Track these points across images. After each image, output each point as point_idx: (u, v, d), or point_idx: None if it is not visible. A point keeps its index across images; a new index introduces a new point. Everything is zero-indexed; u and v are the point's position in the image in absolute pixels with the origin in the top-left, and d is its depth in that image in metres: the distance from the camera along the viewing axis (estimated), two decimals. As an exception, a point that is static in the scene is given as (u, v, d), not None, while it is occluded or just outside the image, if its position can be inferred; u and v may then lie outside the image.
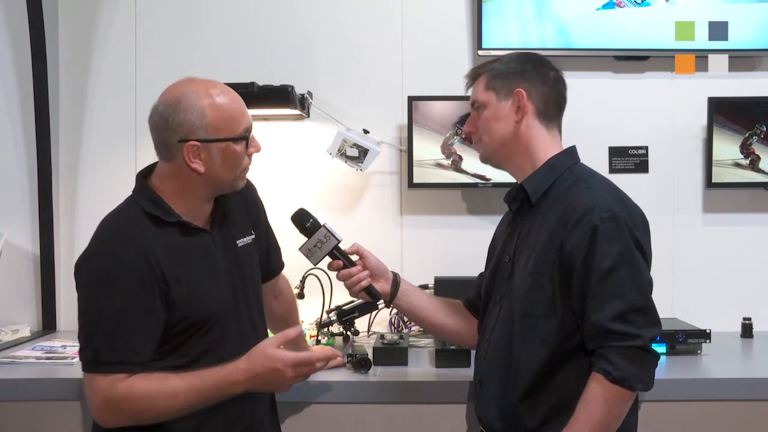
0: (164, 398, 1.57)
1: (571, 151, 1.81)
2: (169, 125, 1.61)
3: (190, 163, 1.61)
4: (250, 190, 1.86)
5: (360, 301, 2.01)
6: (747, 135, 2.76)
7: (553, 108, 1.78)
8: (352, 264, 1.88)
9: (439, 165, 2.74)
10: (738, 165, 2.76)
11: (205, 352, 1.64)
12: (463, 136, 1.89)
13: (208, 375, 1.59)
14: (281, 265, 2.00)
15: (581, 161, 1.82)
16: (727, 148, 2.76)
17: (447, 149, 2.74)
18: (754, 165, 2.77)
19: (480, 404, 1.80)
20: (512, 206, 1.83)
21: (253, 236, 1.82)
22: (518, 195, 1.79)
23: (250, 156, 1.70)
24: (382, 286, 1.92)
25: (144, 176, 1.71)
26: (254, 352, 1.62)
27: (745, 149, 2.76)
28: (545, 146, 1.76)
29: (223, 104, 1.63)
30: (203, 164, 1.62)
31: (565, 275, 1.63)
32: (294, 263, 2.01)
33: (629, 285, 1.59)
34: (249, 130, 1.67)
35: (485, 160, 1.86)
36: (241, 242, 1.77)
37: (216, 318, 1.65)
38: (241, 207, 1.81)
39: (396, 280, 1.95)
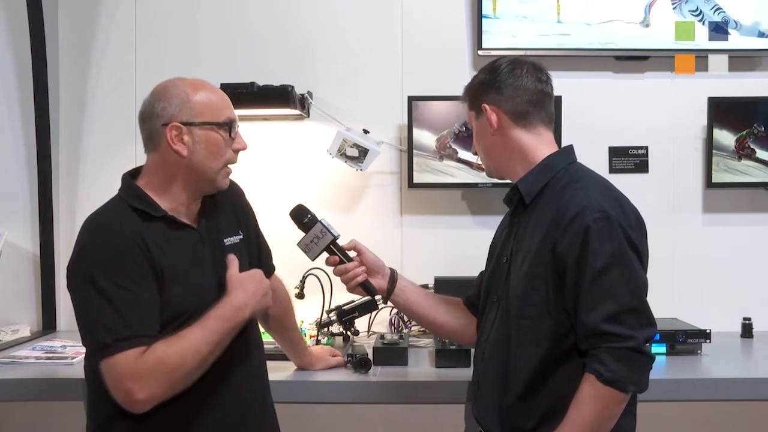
0: (189, 348, 1.56)
1: (567, 151, 1.80)
2: (154, 112, 1.66)
3: (173, 145, 1.64)
4: (237, 193, 1.87)
5: (360, 300, 2.01)
6: (744, 133, 2.76)
7: (526, 107, 1.74)
8: (349, 259, 1.89)
9: (439, 155, 2.75)
10: (737, 154, 2.77)
11: None
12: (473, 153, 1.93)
13: (213, 313, 1.61)
14: (272, 268, 2.00)
15: (579, 161, 1.80)
16: (728, 146, 2.76)
17: (443, 148, 2.74)
18: (751, 156, 2.77)
19: (478, 405, 1.80)
20: (509, 207, 1.83)
21: (241, 237, 1.83)
22: (514, 195, 1.79)
23: (235, 152, 1.72)
24: (379, 282, 1.92)
25: (131, 177, 1.72)
26: (233, 280, 1.67)
27: (740, 144, 2.76)
28: (534, 147, 1.75)
29: (206, 93, 1.69)
30: (186, 148, 1.65)
31: (559, 276, 1.62)
32: (294, 263, 2.01)
33: (622, 285, 1.58)
34: (233, 121, 1.70)
35: (489, 175, 1.88)
36: (228, 241, 1.78)
37: (199, 313, 1.64)
38: (228, 208, 1.82)
39: (393, 277, 1.95)
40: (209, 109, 1.67)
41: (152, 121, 1.66)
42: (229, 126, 1.69)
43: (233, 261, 1.72)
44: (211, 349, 1.59)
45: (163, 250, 1.62)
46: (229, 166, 1.73)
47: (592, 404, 1.56)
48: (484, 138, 1.79)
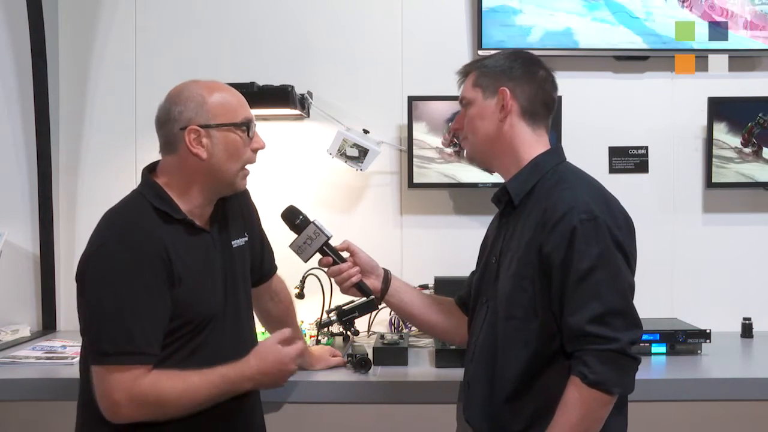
0: (187, 393, 1.58)
1: (556, 150, 1.79)
2: (171, 116, 1.65)
3: (192, 148, 1.63)
4: (243, 194, 1.87)
5: (360, 300, 2.01)
6: (750, 124, 2.75)
7: (539, 108, 1.75)
8: (343, 260, 1.89)
9: (441, 152, 2.74)
10: (741, 152, 2.75)
11: (195, 351, 1.64)
12: (452, 132, 1.90)
13: (222, 371, 1.62)
14: (275, 269, 2.01)
15: (576, 161, 1.80)
16: (728, 146, 2.76)
17: (446, 141, 2.74)
18: (756, 154, 2.76)
19: (468, 406, 1.80)
20: (498, 207, 1.83)
21: (246, 238, 1.83)
22: (503, 196, 1.78)
23: (254, 152, 1.72)
24: (373, 282, 1.93)
25: (149, 172, 1.72)
26: (263, 351, 1.69)
27: (747, 138, 2.75)
28: (530, 146, 1.74)
29: (222, 94, 1.69)
30: (205, 150, 1.64)
31: (546, 277, 1.62)
32: (294, 263, 2.01)
33: (608, 287, 1.57)
34: (250, 121, 1.70)
35: (471, 158, 1.86)
36: (235, 243, 1.79)
37: (209, 319, 1.66)
38: (236, 210, 1.83)
39: (387, 277, 1.95)
40: (226, 110, 1.66)
41: (169, 125, 1.65)
42: (246, 126, 1.69)
43: (284, 332, 1.73)
44: (205, 401, 1.61)
45: (181, 255, 1.62)
46: (247, 166, 1.73)
47: (578, 407, 1.55)
48: (486, 121, 1.75)
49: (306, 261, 1.91)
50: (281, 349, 1.70)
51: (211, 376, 1.61)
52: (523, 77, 1.74)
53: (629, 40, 2.79)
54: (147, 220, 1.62)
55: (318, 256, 1.90)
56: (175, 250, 1.61)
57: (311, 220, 1.88)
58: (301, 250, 1.87)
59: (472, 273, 1.97)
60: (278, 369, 1.69)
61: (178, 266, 1.60)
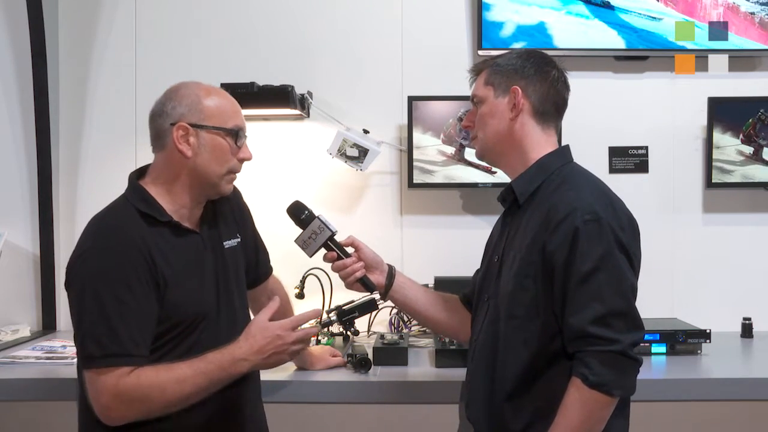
0: (173, 384, 1.57)
1: (563, 151, 1.78)
2: (164, 110, 1.67)
3: (178, 144, 1.64)
4: (235, 195, 1.87)
5: (360, 300, 2.01)
6: (752, 120, 2.74)
7: (550, 108, 1.75)
8: (347, 255, 1.89)
9: (443, 154, 2.74)
10: (742, 154, 2.75)
11: (188, 352, 1.63)
12: (462, 128, 1.90)
13: (211, 357, 1.61)
14: (270, 270, 2.02)
15: (576, 161, 1.79)
16: (728, 147, 2.76)
17: (451, 141, 2.74)
18: (757, 154, 2.76)
19: (469, 405, 1.80)
20: (504, 206, 1.83)
21: (239, 239, 1.84)
22: (508, 195, 1.78)
23: (240, 161, 1.72)
24: (378, 278, 1.92)
25: (136, 177, 1.72)
26: (250, 328, 1.66)
27: (752, 134, 2.74)
28: (538, 145, 1.74)
29: (218, 98, 1.70)
30: (191, 149, 1.65)
31: (548, 277, 1.61)
32: (294, 263, 2.01)
33: (610, 288, 1.56)
34: (241, 129, 1.71)
35: (480, 156, 1.86)
36: (227, 244, 1.79)
37: (200, 319, 1.66)
38: (227, 211, 1.83)
39: (391, 273, 1.95)
40: (218, 114, 1.67)
41: (161, 120, 1.67)
42: (236, 134, 1.69)
43: (272, 305, 1.71)
44: (196, 391, 1.59)
45: (167, 258, 1.62)
46: (235, 173, 1.73)
47: (579, 408, 1.55)
48: (497, 119, 1.75)
49: (311, 256, 1.92)
50: (270, 324, 1.67)
51: (200, 363, 1.59)
52: (535, 76, 1.74)
53: (605, 34, 2.78)
54: (131, 225, 1.62)
55: (323, 251, 1.90)
56: (160, 252, 1.61)
57: (316, 215, 1.89)
58: (306, 245, 1.88)
59: (477, 271, 1.97)
60: (274, 344, 1.65)
61: (162, 268, 1.60)
